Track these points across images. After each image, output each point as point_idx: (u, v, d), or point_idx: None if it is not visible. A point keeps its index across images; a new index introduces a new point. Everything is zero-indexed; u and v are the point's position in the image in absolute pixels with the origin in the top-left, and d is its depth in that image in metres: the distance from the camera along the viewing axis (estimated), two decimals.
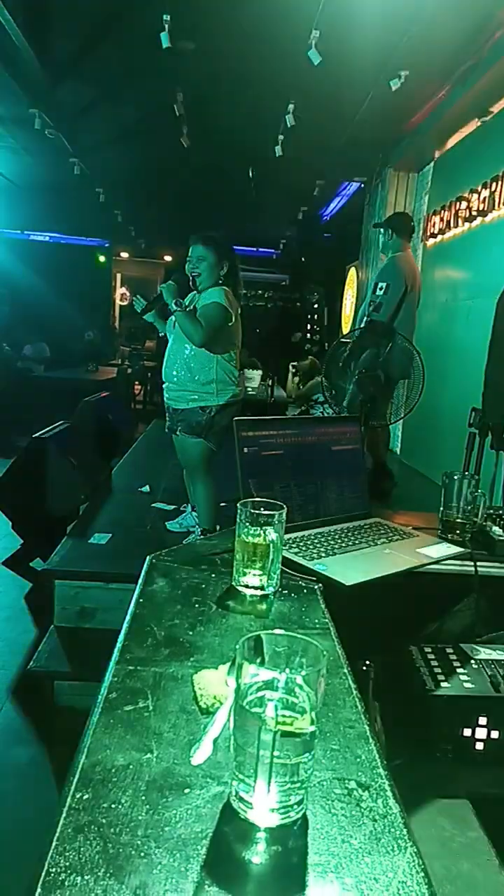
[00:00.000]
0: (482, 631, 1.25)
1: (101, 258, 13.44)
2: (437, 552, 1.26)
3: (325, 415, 5.49)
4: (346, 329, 8.58)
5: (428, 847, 0.67)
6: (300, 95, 4.83)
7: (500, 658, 1.12)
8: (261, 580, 0.99)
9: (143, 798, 0.55)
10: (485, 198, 4.39)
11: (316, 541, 1.25)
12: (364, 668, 1.01)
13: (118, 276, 14.63)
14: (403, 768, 0.96)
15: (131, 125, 6.25)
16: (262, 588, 0.99)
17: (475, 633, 1.24)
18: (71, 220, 11.08)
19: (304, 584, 1.06)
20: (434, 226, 5.44)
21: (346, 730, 0.68)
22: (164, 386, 3.08)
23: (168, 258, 12.94)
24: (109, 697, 0.69)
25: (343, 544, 1.25)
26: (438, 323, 5.09)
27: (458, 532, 1.37)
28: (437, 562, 1.23)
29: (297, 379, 9.55)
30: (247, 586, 1.00)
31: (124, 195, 8.74)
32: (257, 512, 0.98)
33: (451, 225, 5.03)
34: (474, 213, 4.55)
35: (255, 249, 12.69)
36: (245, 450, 1.24)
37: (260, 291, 12.75)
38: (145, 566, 1.07)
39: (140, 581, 1.01)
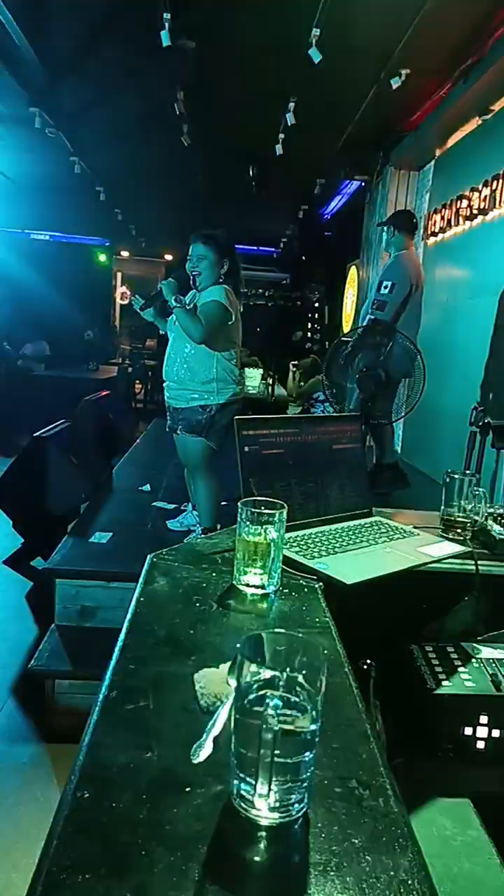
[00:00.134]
0: (483, 630, 1.25)
1: (102, 257, 13.45)
2: (438, 551, 1.26)
3: (326, 413, 5.49)
4: (346, 327, 8.58)
5: (429, 846, 0.67)
6: (300, 94, 4.82)
7: (502, 657, 1.12)
8: (261, 579, 0.99)
9: (144, 797, 0.55)
10: (486, 196, 4.39)
11: (317, 539, 1.24)
12: (365, 666, 1.00)
13: (118, 274, 14.64)
14: (404, 767, 0.96)
15: (131, 124, 6.23)
16: (262, 587, 0.99)
17: (476, 632, 1.24)
18: (71, 219, 11.06)
19: (304, 583, 1.06)
20: (435, 224, 5.43)
21: (346, 729, 0.67)
22: (164, 385, 3.09)
23: (168, 257, 12.94)
24: (110, 696, 0.69)
25: (344, 543, 1.25)
26: (439, 322, 5.08)
27: (459, 531, 1.37)
28: (438, 561, 1.23)
29: (298, 377, 9.55)
30: (247, 585, 1.00)
31: (125, 194, 8.72)
32: (258, 511, 0.98)
33: (452, 223, 5.03)
34: (475, 212, 4.55)
35: (255, 248, 12.67)
36: (246, 448, 1.24)
37: (260, 290, 12.77)
38: (146, 565, 1.07)
39: (141, 580, 1.01)
